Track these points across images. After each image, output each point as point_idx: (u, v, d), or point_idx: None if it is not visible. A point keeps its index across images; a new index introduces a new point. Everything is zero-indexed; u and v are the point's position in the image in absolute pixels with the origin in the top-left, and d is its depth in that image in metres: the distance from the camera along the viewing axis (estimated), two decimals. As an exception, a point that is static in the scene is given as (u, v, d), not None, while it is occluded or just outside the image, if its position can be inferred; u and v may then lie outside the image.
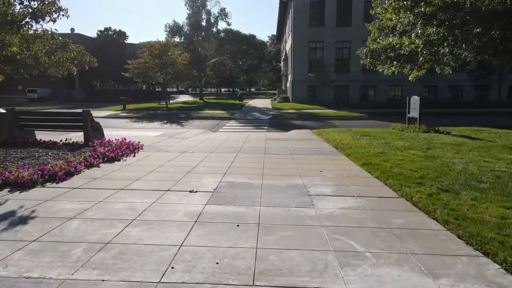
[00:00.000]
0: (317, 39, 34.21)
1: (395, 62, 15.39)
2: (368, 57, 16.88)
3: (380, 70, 16.99)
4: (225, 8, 67.51)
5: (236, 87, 71.61)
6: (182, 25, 51.12)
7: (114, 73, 52.53)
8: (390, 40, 14.73)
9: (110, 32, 63.44)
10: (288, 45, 41.92)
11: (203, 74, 53.45)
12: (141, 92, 66.12)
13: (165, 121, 20.46)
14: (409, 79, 16.09)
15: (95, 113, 24.59)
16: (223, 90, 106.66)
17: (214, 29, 51.29)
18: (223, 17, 50.99)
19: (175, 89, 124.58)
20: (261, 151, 9.39)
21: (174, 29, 50.71)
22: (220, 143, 10.80)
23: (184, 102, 44.62)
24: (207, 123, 19.54)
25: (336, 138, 11.72)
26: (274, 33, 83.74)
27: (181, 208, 4.31)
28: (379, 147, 9.37)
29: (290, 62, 39.36)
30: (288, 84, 41.00)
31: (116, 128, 16.42)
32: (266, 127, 17.52)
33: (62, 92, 59.64)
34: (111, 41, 62.44)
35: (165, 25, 50.32)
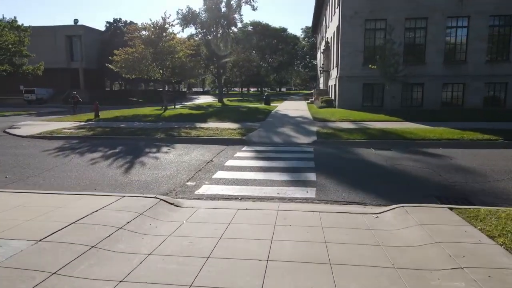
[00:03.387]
0: (378, 16, 23.70)
1: None
2: None
3: None
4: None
5: (264, 86, 61.90)
6: (198, 12, 41.96)
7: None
8: None
9: (120, 24, 55.56)
10: (330, 31, 31.57)
11: (223, 71, 44.02)
12: (153, 93, 57.70)
13: (118, 151, 10.98)
14: None
15: (33, 128, 15.71)
16: (251, 90, 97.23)
17: (237, 15, 41.67)
18: (248, -1, 41.25)
19: (200, 89, 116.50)
20: None
21: (188, 17, 41.67)
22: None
23: (195, 106, 35.27)
24: (194, 155, 9.89)
25: None
26: (309, 24, 73.40)
27: None
28: None
29: (334, 53, 29.02)
30: (331, 82, 30.64)
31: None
32: (312, 177, 7.57)
33: (65, 92, 52.24)
34: (121, 34, 54.47)
35: (177, 12, 41.36)
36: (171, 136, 12.96)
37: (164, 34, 24.62)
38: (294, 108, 27.69)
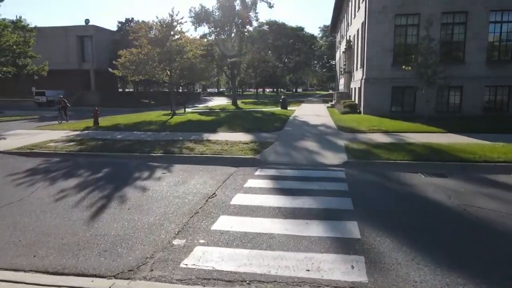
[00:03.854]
0: (410, 10, 21.05)
1: None
2: None
3: None
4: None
5: (280, 87, 59.13)
6: (212, 10, 39.97)
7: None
8: None
9: (132, 24, 54.05)
10: (353, 28, 28.99)
11: (237, 73, 41.86)
12: (165, 94, 55.79)
13: (99, 177, 8.88)
14: None
15: (18, 139, 13.81)
16: (267, 90, 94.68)
17: (252, 13, 39.47)
18: (263, -4, 39.03)
19: (215, 90, 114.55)
20: None
21: (201, 15, 39.76)
22: None
23: (207, 110, 33.27)
24: (193, 185, 7.66)
25: None
26: (327, 22, 70.63)
27: None
28: None
29: (357, 52, 26.46)
30: (354, 85, 28.04)
31: None
32: (355, 231, 5.22)
33: (76, 94, 51.19)
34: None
35: (189, 10, 39.49)
36: (171, 154, 10.77)
37: (172, 32, 22.60)
38: (314, 113, 25.23)
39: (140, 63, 22.13)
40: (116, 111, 38.63)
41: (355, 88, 27.00)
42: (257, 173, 8.86)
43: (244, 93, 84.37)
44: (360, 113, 22.82)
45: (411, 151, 10.60)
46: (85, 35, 50.11)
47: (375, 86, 21.79)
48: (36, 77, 31.45)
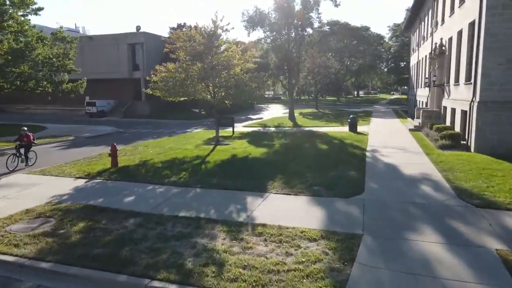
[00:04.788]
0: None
1: None
2: None
3: None
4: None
5: (341, 92, 52.41)
6: (267, 12, 35.14)
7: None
8: None
9: (184, 29, 51.20)
10: (450, 29, 22.29)
11: (295, 82, 36.57)
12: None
13: None
14: None
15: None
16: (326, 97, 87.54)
17: (313, 14, 33.97)
18: (329, -6, 33.34)
19: (271, 93, 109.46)
20: None
21: (256, 18, 35.12)
22: None
23: (260, 128, 28.49)
24: None
25: None
26: (397, 21, 62.06)
27: None
28: None
29: (457, 61, 19.88)
30: (450, 104, 21.18)
31: None
32: None
33: (126, 104, 49.49)
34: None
35: (242, 13, 34.98)
36: (179, 285, 5.88)
37: (216, 43, 18.04)
38: (396, 143, 19.08)
39: (176, 82, 17.86)
40: (163, 124, 35.41)
41: (454, 110, 20.31)
42: None
43: (302, 97, 78.24)
44: (468, 149, 16.35)
45: None
46: (136, 43, 48.14)
47: (496, 112, 15.25)
48: (73, 95, 28.96)
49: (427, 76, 29.41)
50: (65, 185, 11.85)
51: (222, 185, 11.43)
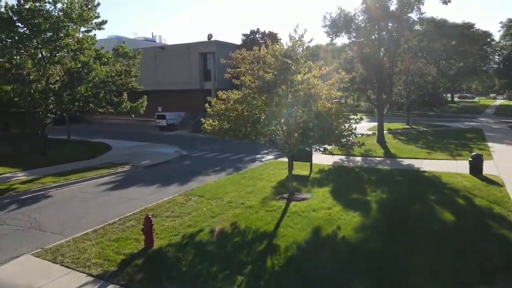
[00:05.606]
0: None
1: None
2: None
3: None
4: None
5: (439, 105, 43.84)
6: (354, 14, 29.44)
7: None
8: None
9: (257, 36, 47.43)
10: None
11: (386, 97, 30.22)
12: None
13: None
14: None
15: None
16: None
17: (414, 15, 27.44)
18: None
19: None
20: None
21: (339, 22, 29.69)
22: None
23: (343, 162, 23.05)
24: None
25: None
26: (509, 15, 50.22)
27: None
28: None
29: None
30: None
31: None
32: None
33: (196, 116, 47.22)
34: (258, 47, 46.48)
35: (324, 17, 29.72)
36: None
37: (293, 68, 13.27)
38: None
39: (239, 119, 13.51)
40: (230, 145, 30.50)
41: None
42: None
43: (390, 111, 68.95)
44: None
45: None
46: (207, 52, 45.62)
47: None
48: (133, 115, 26.61)
49: None
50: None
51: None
